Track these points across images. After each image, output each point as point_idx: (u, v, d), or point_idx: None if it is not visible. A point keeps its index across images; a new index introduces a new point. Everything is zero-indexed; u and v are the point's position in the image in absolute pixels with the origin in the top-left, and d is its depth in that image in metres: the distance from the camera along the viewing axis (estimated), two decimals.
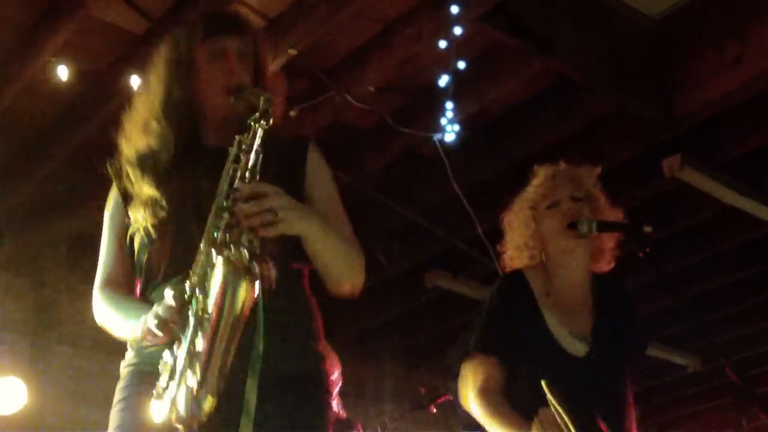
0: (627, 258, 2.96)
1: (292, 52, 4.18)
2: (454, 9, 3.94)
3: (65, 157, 5.02)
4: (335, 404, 2.18)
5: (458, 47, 4.12)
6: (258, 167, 1.98)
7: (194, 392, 1.83)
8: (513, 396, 2.76)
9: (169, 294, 1.92)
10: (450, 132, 4.47)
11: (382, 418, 6.01)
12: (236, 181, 1.97)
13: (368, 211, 5.60)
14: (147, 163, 2.19)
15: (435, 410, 5.38)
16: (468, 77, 4.37)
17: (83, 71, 4.40)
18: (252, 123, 1.99)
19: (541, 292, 2.89)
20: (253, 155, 1.97)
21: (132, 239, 2.18)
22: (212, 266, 1.87)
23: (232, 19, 2.28)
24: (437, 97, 4.41)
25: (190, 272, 1.95)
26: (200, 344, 1.85)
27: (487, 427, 2.74)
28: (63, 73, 4.31)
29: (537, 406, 2.55)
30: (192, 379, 1.83)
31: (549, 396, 2.48)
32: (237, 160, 2.00)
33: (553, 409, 2.48)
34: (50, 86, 4.39)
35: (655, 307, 6.84)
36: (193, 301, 1.90)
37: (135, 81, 4.09)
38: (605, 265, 3.02)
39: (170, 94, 2.19)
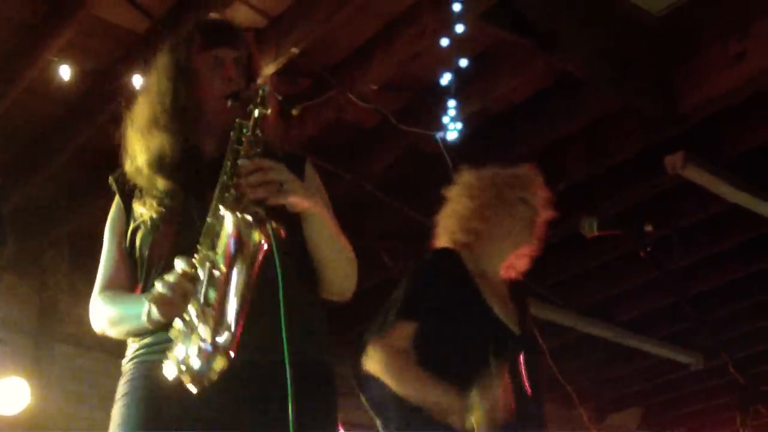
0: (629, 256, 2.96)
1: (294, 51, 4.18)
2: (457, 6, 3.94)
3: (68, 158, 5.02)
4: None
5: (461, 45, 4.11)
6: (259, 147, 2.01)
7: (208, 347, 1.83)
8: (437, 359, 2.72)
9: (179, 262, 1.92)
10: (453, 130, 4.46)
11: None
12: (239, 160, 1.99)
13: (371, 210, 5.58)
14: (154, 167, 2.19)
15: None
16: (470, 75, 4.36)
17: (85, 71, 4.40)
18: (251, 108, 2.03)
19: (477, 272, 2.89)
20: (253, 136, 2.01)
21: (133, 237, 2.17)
22: (221, 227, 1.91)
23: (227, 29, 2.34)
24: (440, 95, 4.41)
25: (198, 245, 1.95)
26: (213, 297, 1.87)
27: (404, 388, 2.70)
28: (65, 72, 4.31)
29: (464, 371, 2.58)
30: (205, 333, 1.84)
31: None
32: (239, 141, 2.02)
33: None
34: (53, 86, 4.39)
35: (657, 304, 6.84)
36: (205, 261, 1.91)
37: (137, 80, 4.09)
38: (513, 273, 3.03)
39: (176, 100, 2.20)
